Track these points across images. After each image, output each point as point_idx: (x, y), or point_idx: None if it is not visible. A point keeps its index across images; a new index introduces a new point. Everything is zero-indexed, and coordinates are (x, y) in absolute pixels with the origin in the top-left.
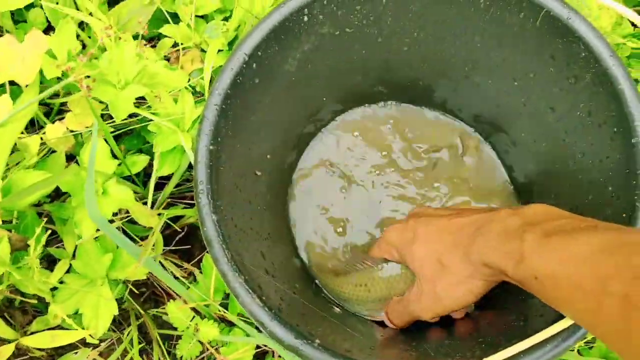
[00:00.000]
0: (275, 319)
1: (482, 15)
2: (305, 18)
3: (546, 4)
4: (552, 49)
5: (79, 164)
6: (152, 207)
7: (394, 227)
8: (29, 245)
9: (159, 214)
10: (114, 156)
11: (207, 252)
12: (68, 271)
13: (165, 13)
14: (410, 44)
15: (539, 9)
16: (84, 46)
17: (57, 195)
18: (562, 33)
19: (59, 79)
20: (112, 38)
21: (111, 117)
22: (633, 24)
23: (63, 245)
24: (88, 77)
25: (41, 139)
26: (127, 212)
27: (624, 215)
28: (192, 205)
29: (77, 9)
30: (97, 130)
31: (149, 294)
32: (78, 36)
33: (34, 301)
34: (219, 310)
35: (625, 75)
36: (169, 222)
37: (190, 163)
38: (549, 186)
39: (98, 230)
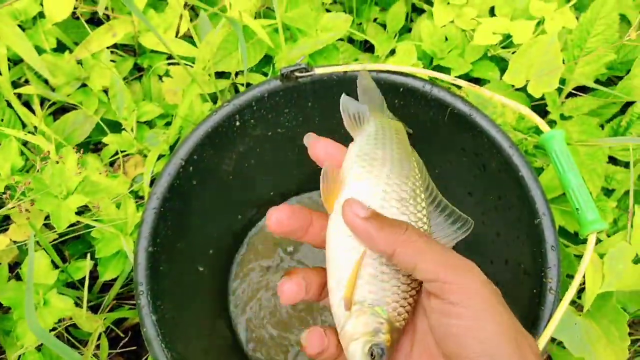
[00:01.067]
0: None
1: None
2: (237, 123)
3: (450, 103)
4: (462, 142)
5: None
6: (96, 311)
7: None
8: None
9: (105, 318)
10: (56, 266)
11: None
12: None
13: (103, 125)
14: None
15: (444, 107)
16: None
17: (1, 306)
18: (467, 127)
19: (4, 193)
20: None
21: None
22: None
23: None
24: (32, 189)
25: None
26: None
27: (534, 291)
28: None
29: (23, 122)
30: (38, 243)
31: None
32: (23, 151)
33: None
34: None
35: (523, 163)
36: (112, 326)
37: None
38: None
39: None
